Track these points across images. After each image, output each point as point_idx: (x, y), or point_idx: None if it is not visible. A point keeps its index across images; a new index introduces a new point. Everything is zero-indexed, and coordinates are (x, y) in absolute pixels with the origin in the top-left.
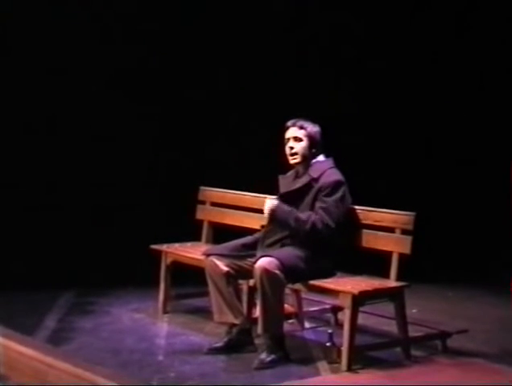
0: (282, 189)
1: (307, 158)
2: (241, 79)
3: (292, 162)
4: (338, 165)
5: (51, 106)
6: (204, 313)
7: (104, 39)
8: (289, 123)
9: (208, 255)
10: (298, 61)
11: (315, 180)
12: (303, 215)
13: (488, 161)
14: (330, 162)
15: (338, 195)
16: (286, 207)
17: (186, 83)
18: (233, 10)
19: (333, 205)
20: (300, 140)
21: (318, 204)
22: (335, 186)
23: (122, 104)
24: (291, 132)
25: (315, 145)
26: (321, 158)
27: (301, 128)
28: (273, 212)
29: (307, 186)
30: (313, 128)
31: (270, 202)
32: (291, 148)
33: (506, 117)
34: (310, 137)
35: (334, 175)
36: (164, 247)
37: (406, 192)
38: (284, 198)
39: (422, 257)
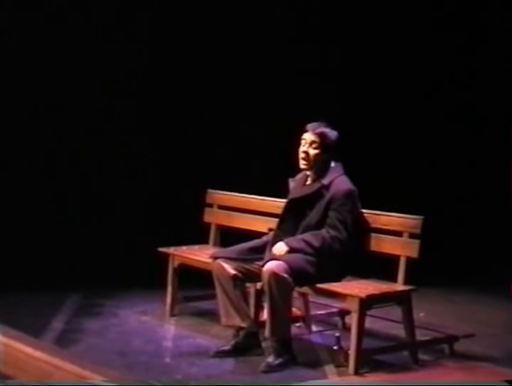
0: (292, 194)
1: (318, 164)
2: (250, 83)
3: (302, 166)
4: (346, 168)
5: (55, 107)
6: (211, 316)
7: (108, 40)
8: (309, 127)
9: (215, 258)
10: (305, 64)
11: (326, 187)
12: (315, 241)
13: (489, 165)
14: (340, 169)
15: (351, 204)
16: (293, 241)
17: (194, 85)
18: (241, 16)
19: (349, 216)
20: (316, 147)
21: (334, 214)
22: (347, 196)
23: (129, 107)
24: (309, 137)
25: (328, 154)
26: (331, 163)
27: (320, 136)
28: (289, 249)
29: (317, 193)
30: (331, 136)
31: (278, 247)
32: (305, 152)
33: (507, 119)
34: (326, 146)
35: (345, 184)
36: (172, 249)
37: (414, 196)
38: (293, 203)
39: (429, 261)
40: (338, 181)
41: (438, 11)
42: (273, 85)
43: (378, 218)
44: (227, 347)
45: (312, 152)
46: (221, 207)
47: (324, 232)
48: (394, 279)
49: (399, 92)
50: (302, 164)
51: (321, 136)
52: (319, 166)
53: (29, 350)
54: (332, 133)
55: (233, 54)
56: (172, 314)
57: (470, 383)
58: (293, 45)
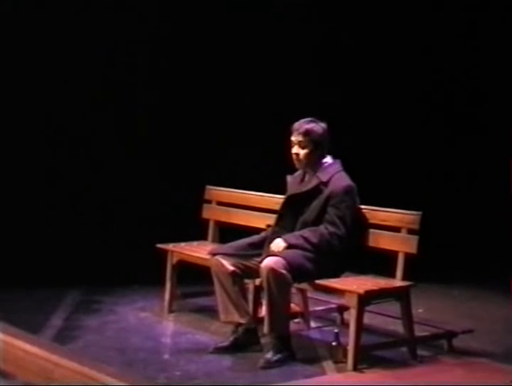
0: (290, 190)
1: (312, 162)
2: (248, 80)
3: (297, 166)
4: (345, 164)
5: (55, 106)
6: (210, 312)
7: (109, 39)
8: (294, 127)
9: (214, 254)
10: (303, 61)
11: (324, 184)
12: (313, 237)
13: (489, 161)
14: (338, 165)
15: (350, 201)
16: (291, 237)
17: (193, 83)
18: (239, 15)
19: (347, 213)
20: (304, 147)
21: (333, 211)
22: (346, 193)
23: (129, 105)
24: (296, 137)
25: (320, 148)
26: (329, 159)
27: (305, 134)
28: (288, 246)
29: (316, 190)
30: (318, 130)
31: (276, 244)
32: (296, 154)
33: (507, 117)
34: (315, 142)
35: (343, 180)
36: (170, 246)
37: (412, 192)
38: (292, 200)
39: (428, 257)
40: (337, 177)
41: (438, 11)
42: (272, 82)
43: (377, 214)
44: (226, 344)
45: (303, 152)
46: (220, 204)
47: (322, 228)
48: (392, 275)
49: (398, 89)
50: (295, 164)
51: (306, 134)
52: (313, 163)
53: (28, 347)
54: (319, 127)
55: (233, 52)
56: (171, 311)
57: (478, 382)
58: (293, 43)
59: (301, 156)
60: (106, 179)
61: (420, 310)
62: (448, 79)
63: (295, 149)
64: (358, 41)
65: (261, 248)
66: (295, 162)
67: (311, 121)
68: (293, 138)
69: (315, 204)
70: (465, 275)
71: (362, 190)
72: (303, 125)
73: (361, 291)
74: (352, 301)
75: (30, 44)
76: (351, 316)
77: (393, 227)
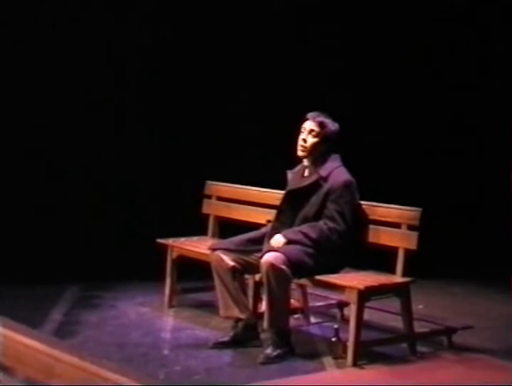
0: (290, 185)
1: (314, 154)
2: (248, 75)
3: (299, 153)
4: (344, 160)
5: (53, 102)
6: (210, 307)
7: (109, 35)
8: (309, 115)
9: (214, 249)
10: (305, 60)
11: (324, 179)
12: (312, 232)
13: (490, 158)
14: (338, 161)
15: (349, 196)
16: (291, 233)
17: (193, 78)
18: (239, 11)
19: (347, 208)
20: (315, 136)
21: (332, 206)
22: (345, 187)
23: (130, 101)
24: (309, 125)
25: (327, 145)
26: (330, 155)
27: (320, 125)
28: (287, 241)
29: (315, 185)
30: (332, 127)
31: (275, 239)
32: (304, 140)
33: (508, 113)
34: (326, 136)
35: (343, 175)
36: (170, 241)
37: (413, 188)
38: (291, 195)
39: (428, 253)
40: (336, 172)
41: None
42: (272, 77)
43: (377, 210)
44: (226, 339)
45: (311, 140)
46: (220, 199)
47: (321, 223)
48: (392, 271)
49: (398, 85)
50: (299, 150)
51: (321, 125)
52: (316, 156)
53: (28, 341)
54: (333, 125)
55: (234, 51)
56: (171, 306)
57: (477, 379)
58: (292, 38)
59: (308, 143)
60: (106, 174)
61: (420, 306)
62: (450, 76)
63: (304, 136)
64: (358, 40)
65: (261, 243)
66: (300, 148)
67: (327, 117)
68: (306, 125)
69: (315, 199)
70: (466, 272)
71: (363, 186)
72: (320, 116)
73: (361, 287)
74: (352, 297)
75: (30, 44)
76: (351, 312)
77: (393, 223)
